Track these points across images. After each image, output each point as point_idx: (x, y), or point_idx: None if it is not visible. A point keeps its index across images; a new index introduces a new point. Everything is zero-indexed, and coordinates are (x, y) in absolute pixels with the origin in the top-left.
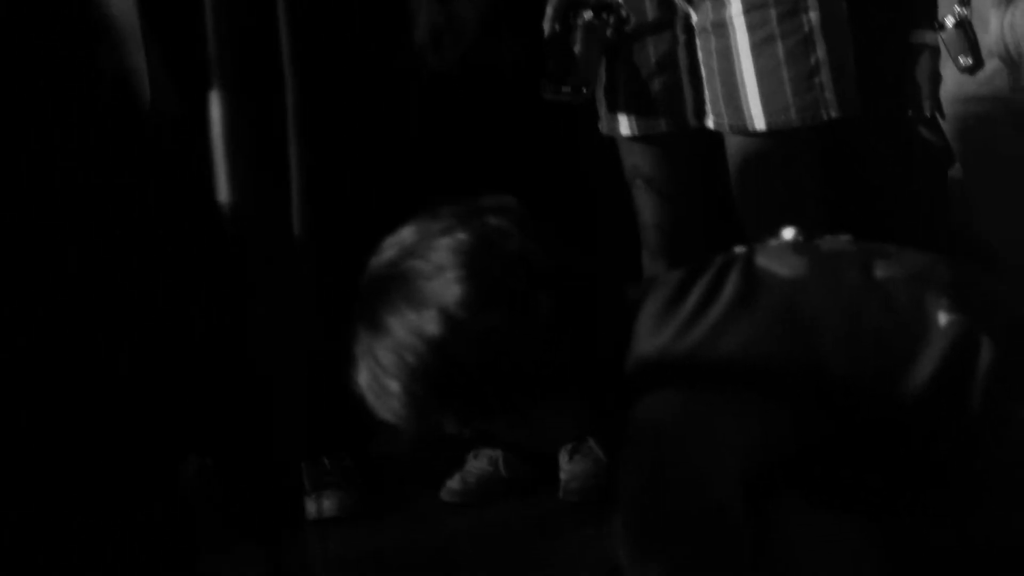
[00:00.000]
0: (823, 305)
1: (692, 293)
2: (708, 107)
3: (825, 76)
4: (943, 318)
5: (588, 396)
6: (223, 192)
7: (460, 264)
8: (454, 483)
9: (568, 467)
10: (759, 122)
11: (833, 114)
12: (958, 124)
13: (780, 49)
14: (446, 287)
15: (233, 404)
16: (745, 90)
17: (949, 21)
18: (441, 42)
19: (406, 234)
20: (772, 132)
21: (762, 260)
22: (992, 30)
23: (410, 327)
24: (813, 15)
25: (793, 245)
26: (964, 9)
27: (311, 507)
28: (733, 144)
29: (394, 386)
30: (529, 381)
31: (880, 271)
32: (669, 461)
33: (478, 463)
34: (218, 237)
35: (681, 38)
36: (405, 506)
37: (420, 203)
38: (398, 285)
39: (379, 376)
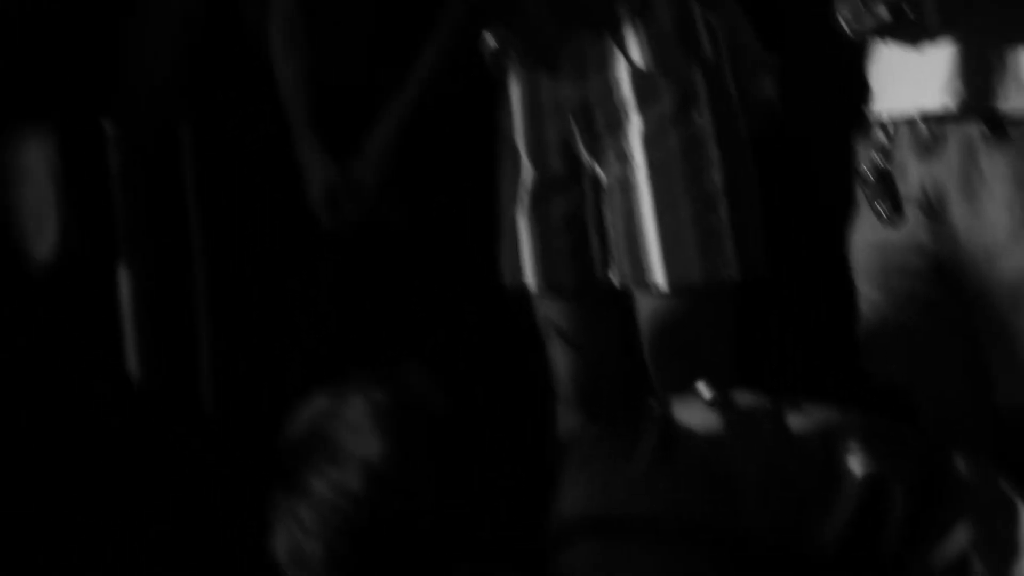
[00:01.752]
0: (740, 461)
1: (609, 452)
2: (613, 263)
3: (728, 237)
4: (855, 468)
5: (512, 557)
6: (132, 362)
7: (378, 421)
8: None
9: None
10: (660, 281)
11: (735, 275)
12: (877, 273)
13: (684, 210)
14: (367, 443)
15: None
16: (648, 249)
17: (868, 171)
18: (337, 202)
19: (320, 399)
20: (676, 291)
21: (678, 416)
22: (912, 180)
23: (332, 484)
24: (717, 176)
25: (708, 401)
26: (883, 159)
27: None
28: (642, 301)
29: (317, 548)
30: (452, 538)
31: (793, 424)
32: None
33: None
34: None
35: (589, 195)
36: None
37: (331, 370)
38: (317, 445)
39: (300, 539)
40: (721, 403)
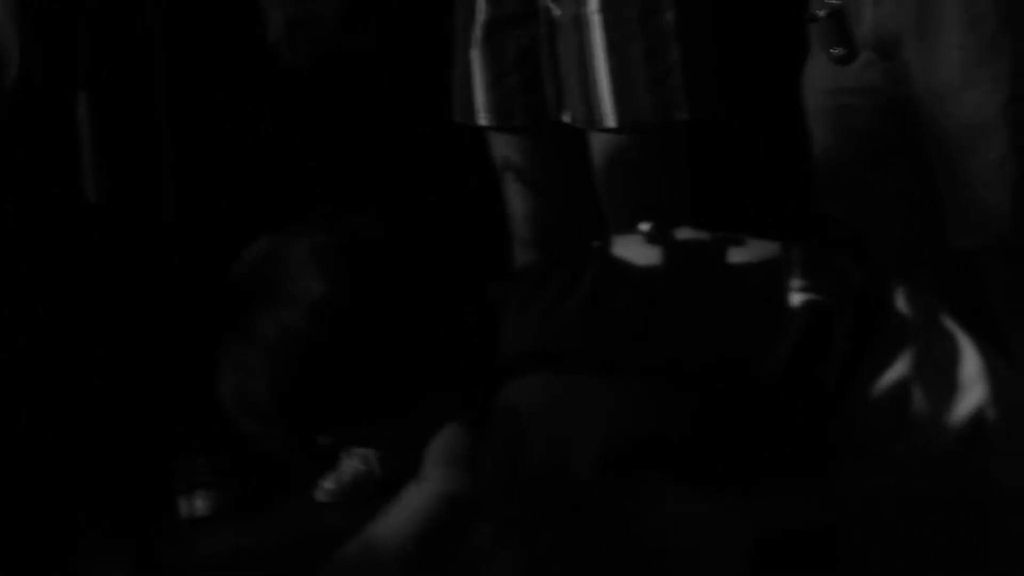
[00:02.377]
0: (679, 293)
1: (550, 286)
2: (565, 101)
3: (679, 77)
4: (796, 299)
5: (457, 392)
6: (90, 191)
7: (323, 262)
8: (328, 482)
9: None
10: (610, 120)
11: (685, 116)
12: (830, 115)
13: (635, 48)
14: (312, 284)
15: (103, 401)
16: (599, 87)
17: (821, 11)
18: (296, 38)
19: (264, 243)
20: (626, 130)
21: (618, 251)
22: (865, 20)
23: (279, 325)
24: (670, 15)
25: (648, 236)
26: (838, 1)
27: (183, 506)
28: (594, 141)
29: (263, 389)
30: (398, 378)
31: (734, 257)
32: (529, 446)
33: (352, 462)
34: (83, 234)
35: (543, 31)
36: (279, 505)
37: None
38: (263, 288)
39: (247, 382)
40: (661, 238)
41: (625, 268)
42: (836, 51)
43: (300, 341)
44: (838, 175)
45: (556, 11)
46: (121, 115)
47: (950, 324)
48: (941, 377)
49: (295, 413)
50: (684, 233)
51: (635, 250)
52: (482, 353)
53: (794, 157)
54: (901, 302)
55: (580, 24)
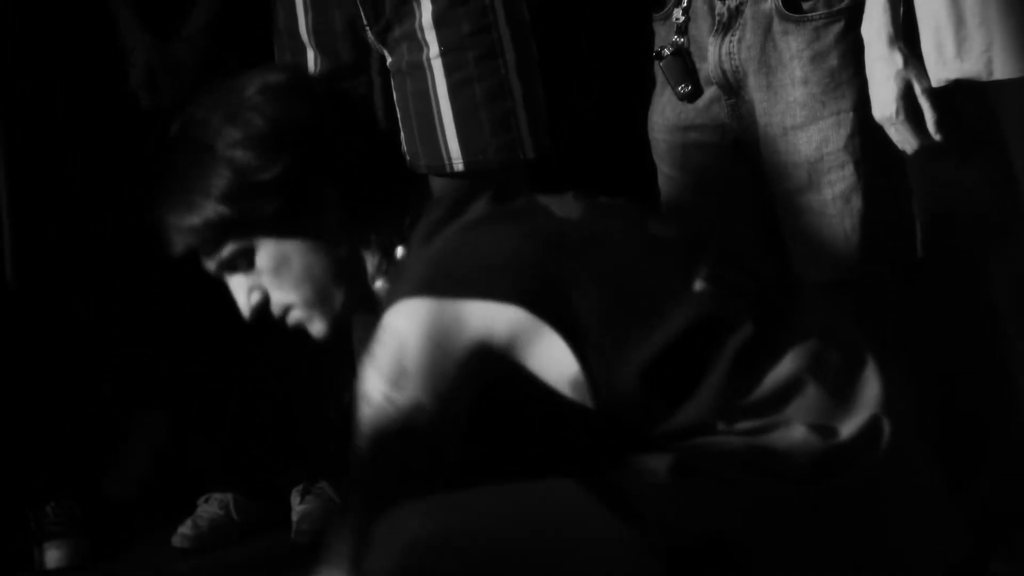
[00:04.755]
0: (587, 241)
1: (474, 203)
2: (404, 148)
3: (521, 117)
4: (698, 285)
5: (357, 238)
6: None
7: (277, 93)
8: (185, 528)
9: (300, 508)
10: (457, 163)
11: (529, 154)
12: (677, 152)
13: (477, 91)
14: (264, 76)
15: None
16: (444, 131)
17: (667, 49)
18: (156, 83)
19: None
20: (470, 172)
21: (542, 198)
22: (710, 58)
23: (235, 98)
24: (509, 57)
25: (573, 195)
26: (681, 38)
27: (37, 557)
28: (436, 185)
29: (218, 147)
30: (322, 171)
31: (652, 228)
32: (405, 371)
33: (209, 507)
34: None
35: (377, 81)
36: (136, 553)
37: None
38: (215, 97)
39: (196, 148)
40: (586, 198)
41: (545, 210)
42: (682, 88)
43: (262, 96)
44: (684, 210)
45: (389, 59)
46: None
47: (850, 333)
48: (836, 380)
49: (230, 179)
50: (609, 200)
51: (558, 202)
52: (393, 225)
53: (639, 193)
54: (801, 306)
55: (420, 70)
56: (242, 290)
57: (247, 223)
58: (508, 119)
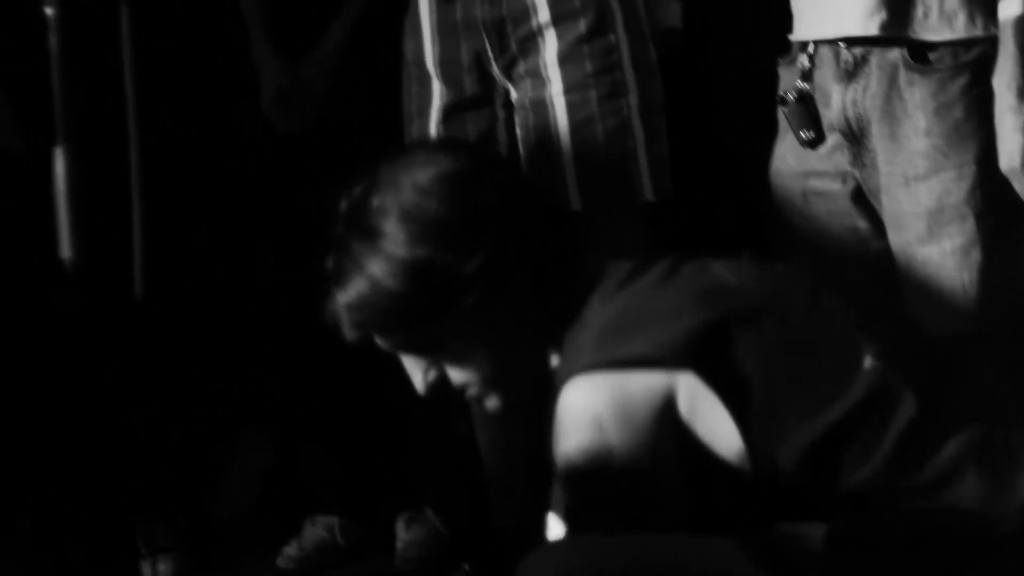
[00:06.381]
0: (760, 311)
1: (649, 269)
2: None
3: (642, 159)
4: (868, 362)
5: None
6: (64, 248)
7: (444, 182)
8: (291, 549)
9: (404, 535)
10: (575, 202)
11: (649, 197)
12: (797, 198)
13: (599, 130)
14: (436, 162)
15: (64, 463)
16: (564, 169)
17: (791, 95)
18: (288, 105)
19: (380, 167)
20: (591, 212)
21: (717, 264)
22: (834, 105)
23: (404, 231)
24: (633, 99)
25: (748, 258)
26: (806, 84)
27: (146, 571)
28: None
29: (392, 284)
30: (507, 266)
31: (824, 299)
32: (608, 446)
33: (315, 530)
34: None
35: (501, 114)
36: (240, 572)
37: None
38: (384, 179)
39: (372, 280)
40: (761, 263)
41: (718, 278)
42: (805, 134)
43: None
44: (803, 256)
45: (514, 94)
46: (98, 176)
47: (1008, 405)
48: (996, 466)
49: (418, 287)
50: (783, 266)
51: (734, 268)
52: (569, 300)
53: (757, 237)
54: (957, 376)
55: (543, 106)
56: (419, 369)
57: (437, 314)
58: (629, 160)
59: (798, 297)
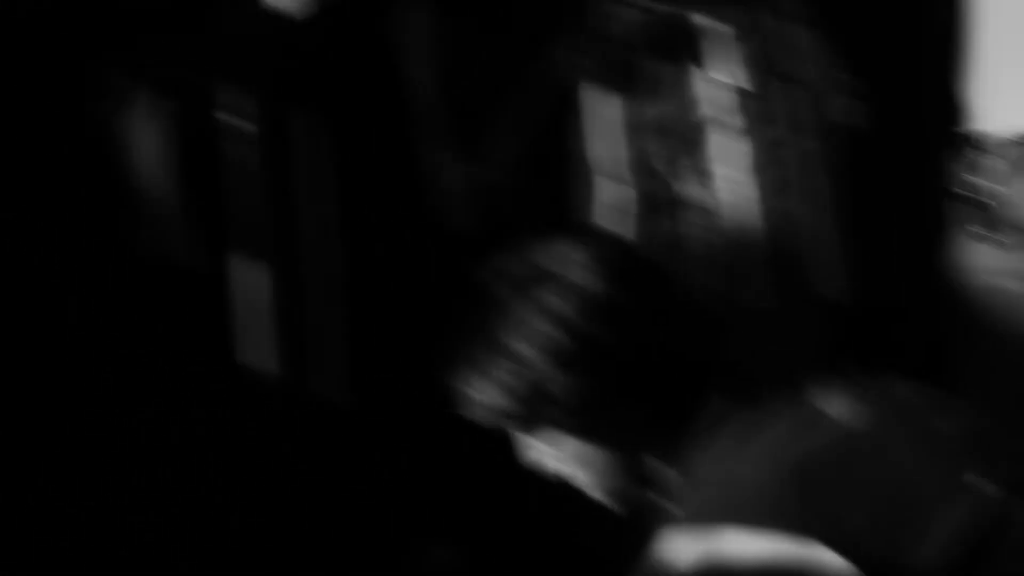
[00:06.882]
0: (861, 454)
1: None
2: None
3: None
4: (968, 478)
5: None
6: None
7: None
8: None
9: None
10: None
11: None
12: (987, 296)
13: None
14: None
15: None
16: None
17: (988, 199)
18: (466, 204)
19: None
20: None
21: (822, 401)
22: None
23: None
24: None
25: (859, 390)
26: (998, 185)
27: None
28: None
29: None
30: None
31: (936, 422)
32: None
33: None
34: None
35: (678, 214)
36: None
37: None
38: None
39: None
40: (875, 393)
41: (820, 421)
42: (999, 237)
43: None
44: (993, 355)
45: (686, 194)
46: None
47: None
48: None
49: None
50: (901, 390)
51: (840, 405)
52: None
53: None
54: None
55: (729, 206)
56: None
57: None
58: (825, 263)
59: (906, 430)
